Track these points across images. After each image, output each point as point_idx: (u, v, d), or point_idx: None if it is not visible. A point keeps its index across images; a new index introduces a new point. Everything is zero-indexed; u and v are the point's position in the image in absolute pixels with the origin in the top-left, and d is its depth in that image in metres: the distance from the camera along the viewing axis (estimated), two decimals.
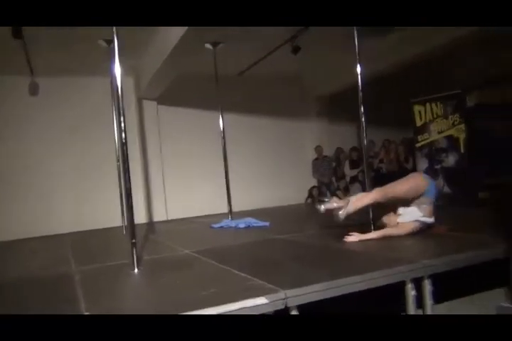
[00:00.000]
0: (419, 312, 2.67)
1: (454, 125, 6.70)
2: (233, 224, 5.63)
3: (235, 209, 6.46)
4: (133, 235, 3.25)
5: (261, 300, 2.18)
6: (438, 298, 2.71)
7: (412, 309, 2.63)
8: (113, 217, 6.60)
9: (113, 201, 6.50)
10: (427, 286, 2.68)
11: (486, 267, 2.87)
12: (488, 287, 3.01)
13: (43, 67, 6.85)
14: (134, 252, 3.21)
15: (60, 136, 7.42)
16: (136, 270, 3.19)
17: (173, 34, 5.16)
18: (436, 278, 2.70)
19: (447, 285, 2.76)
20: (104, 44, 5.72)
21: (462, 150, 6.61)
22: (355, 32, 4.23)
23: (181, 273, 3.09)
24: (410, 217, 3.67)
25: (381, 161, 8.24)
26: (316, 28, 5.83)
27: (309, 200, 8.96)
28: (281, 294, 2.24)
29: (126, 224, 5.75)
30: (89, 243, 5.63)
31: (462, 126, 6.60)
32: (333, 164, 9.09)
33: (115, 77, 3.41)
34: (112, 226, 6.70)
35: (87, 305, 2.36)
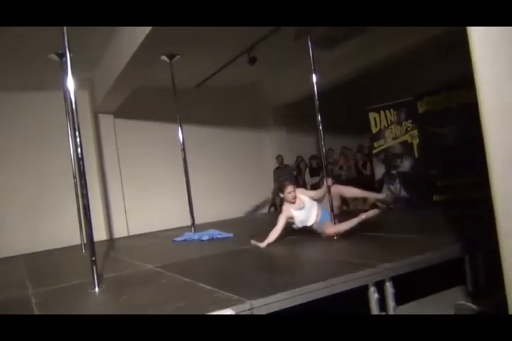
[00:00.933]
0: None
1: (407, 131, 6.96)
2: (196, 236, 5.56)
3: (198, 221, 6.39)
4: (93, 252, 3.15)
5: (227, 312, 2.16)
6: (400, 300, 2.79)
7: (375, 312, 2.68)
8: (71, 235, 6.36)
9: (70, 218, 6.31)
10: (389, 289, 2.75)
11: (444, 267, 2.98)
12: (446, 286, 3.13)
13: None
14: (95, 270, 3.11)
15: (14, 151, 7.13)
16: (97, 289, 3.09)
17: (129, 46, 5.11)
18: (397, 281, 2.78)
19: (408, 287, 2.84)
20: (56, 58, 5.57)
21: (416, 155, 6.87)
22: (309, 42, 4.34)
23: (145, 289, 3.02)
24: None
25: (341, 168, 8.42)
26: (271, 39, 5.94)
27: (272, 209, 9.01)
28: (247, 305, 2.24)
29: (85, 241, 5.57)
30: (46, 263, 5.40)
31: (415, 132, 6.86)
32: (294, 172, 9.20)
33: (68, 91, 3.33)
34: (71, 245, 6.46)
35: None
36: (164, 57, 5.94)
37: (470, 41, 1.93)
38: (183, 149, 6.32)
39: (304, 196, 4.32)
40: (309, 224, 4.27)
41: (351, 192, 4.57)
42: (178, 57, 6.03)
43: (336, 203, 4.34)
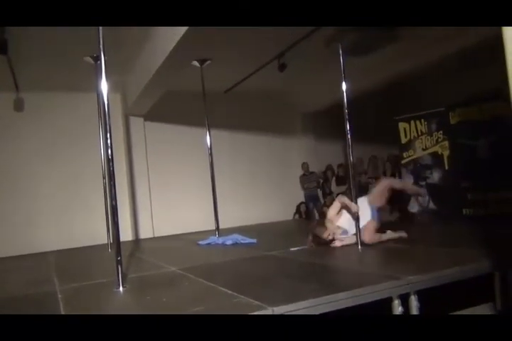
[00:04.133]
0: None
1: (437, 142, 6.83)
2: (220, 241, 5.59)
3: (222, 226, 6.42)
4: (118, 252, 3.21)
5: None
6: (425, 314, 2.72)
7: None
8: (98, 235, 6.49)
9: (98, 218, 6.44)
10: (414, 302, 2.69)
11: (472, 283, 2.90)
12: (474, 303, 3.03)
13: (28, 82, 6.83)
14: (120, 270, 3.16)
15: (46, 151, 7.35)
16: (121, 288, 3.13)
17: (161, 51, 5.21)
18: (423, 294, 2.71)
19: (433, 302, 2.76)
20: (91, 61, 5.74)
21: (446, 167, 6.72)
22: (340, 50, 4.32)
23: (167, 291, 3.05)
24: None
25: (369, 177, 8.32)
26: (301, 46, 5.95)
27: (297, 216, 8.97)
28: (269, 311, 2.22)
29: (111, 241, 5.68)
30: (73, 261, 5.53)
31: (446, 143, 6.72)
32: (320, 181, 9.14)
33: (102, 94, 3.42)
34: (97, 244, 6.60)
35: None
36: (195, 62, 6.03)
37: (506, 50, 1.87)
38: (211, 153, 6.38)
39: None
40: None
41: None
42: (208, 62, 6.11)
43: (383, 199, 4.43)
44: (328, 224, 4.18)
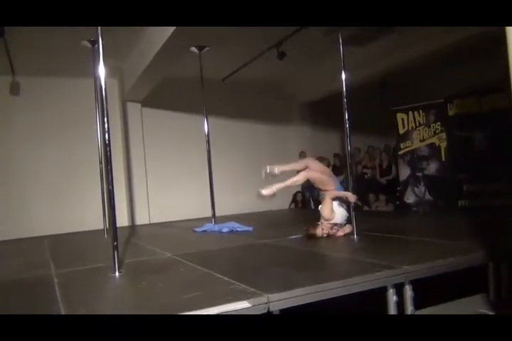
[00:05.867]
0: None
1: (435, 133, 6.83)
2: (216, 228, 5.60)
3: (218, 213, 6.44)
4: (115, 238, 3.20)
5: (243, 304, 2.17)
6: (419, 304, 2.74)
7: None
8: (94, 220, 6.51)
9: (94, 203, 6.43)
10: (408, 292, 2.71)
11: (466, 273, 2.92)
12: (467, 293, 3.06)
13: (24, 66, 6.74)
14: (116, 255, 3.17)
15: (41, 136, 7.29)
16: (117, 273, 3.14)
17: (159, 36, 5.15)
18: (417, 284, 2.73)
19: (428, 291, 2.79)
20: (88, 45, 5.65)
21: (443, 159, 6.73)
22: (340, 39, 4.27)
23: (163, 276, 3.05)
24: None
25: (365, 167, 8.32)
26: (301, 35, 5.89)
27: (293, 205, 8.99)
28: (264, 298, 2.24)
29: (107, 226, 5.68)
30: (69, 245, 5.53)
31: (443, 135, 6.72)
32: None
33: (99, 78, 3.38)
34: (93, 229, 6.60)
35: (66, 309, 2.31)
36: (194, 49, 5.96)
37: (508, 43, 1.86)
38: (208, 141, 6.36)
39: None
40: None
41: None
42: (207, 48, 6.05)
43: None
44: (325, 224, 4.24)
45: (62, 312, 2.26)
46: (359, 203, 4.17)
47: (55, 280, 3.11)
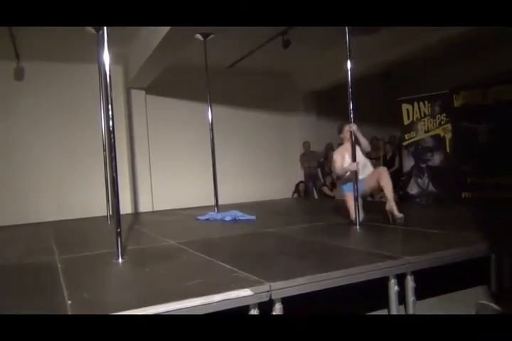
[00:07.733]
0: (401, 308, 2.71)
1: (440, 124, 6.79)
2: (219, 216, 5.62)
3: (221, 202, 6.45)
4: (118, 224, 3.22)
5: (245, 292, 2.18)
6: (421, 295, 2.76)
7: (394, 305, 2.66)
8: (97, 206, 6.53)
9: (98, 190, 6.46)
10: (410, 283, 2.72)
11: (467, 265, 2.93)
12: (468, 284, 3.07)
13: (29, 52, 6.71)
14: (119, 242, 3.19)
15: (45, 122, 7.29)
16: (120, 259, 3.16)
17: None
18: (419, 275, 2.74)
19: (429, 282, 2.80)
20: (92, 31, 5.60)
21: (448, 150, 6.70)
22: (347, 29, 4.22)
23: (166, 263, 3.07)
24: None
25: (369, 158, 8.28)
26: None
27: (296, 195, 9.00)
28: (266, 286, 2.25)
29: (111, 213, 5.71)
30: (73, 231, 5.57)
31: (448, 126, 6.68)
32: (321, 159, 9.12)
33: (104, 65, 3.35)
34: (96, 216, 6.63)
35: (69, 295, 2.33)
36: (198, 36, 5.90)
37: None
38: (212, 129, 6.34)
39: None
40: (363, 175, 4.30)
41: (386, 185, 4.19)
42: (212, 36, 5.99)
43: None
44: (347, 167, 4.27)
45: (65, 297, 2.28)
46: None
47: (59, 265, 3.14)
